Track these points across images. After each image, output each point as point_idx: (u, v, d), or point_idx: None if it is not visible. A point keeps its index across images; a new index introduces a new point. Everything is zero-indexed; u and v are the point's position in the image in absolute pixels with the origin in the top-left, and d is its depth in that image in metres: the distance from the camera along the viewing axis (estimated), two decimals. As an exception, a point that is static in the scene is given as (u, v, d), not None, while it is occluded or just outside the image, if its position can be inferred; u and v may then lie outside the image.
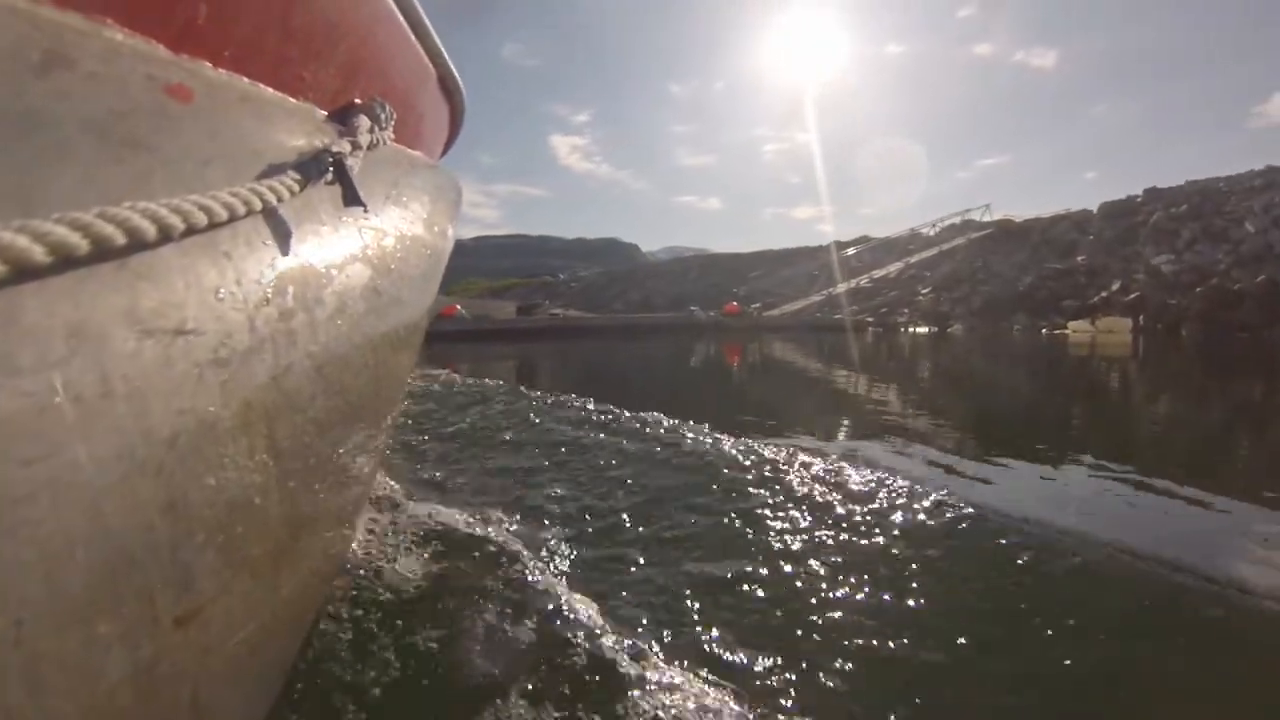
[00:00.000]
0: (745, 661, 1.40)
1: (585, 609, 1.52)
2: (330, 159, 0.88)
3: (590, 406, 4.07)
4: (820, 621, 1.56)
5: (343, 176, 0.90)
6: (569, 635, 1.40)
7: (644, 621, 1.56)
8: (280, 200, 0.76)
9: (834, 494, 2.35)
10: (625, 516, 2.23)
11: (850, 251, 38.90)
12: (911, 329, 30.88)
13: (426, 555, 1.80)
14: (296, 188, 0.79)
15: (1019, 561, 1.86)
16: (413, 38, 1.35)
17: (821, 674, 1.37)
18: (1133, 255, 29.12)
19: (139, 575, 0.56)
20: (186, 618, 0.62)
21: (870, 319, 33.15)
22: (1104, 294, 27.36)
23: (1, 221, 0.48)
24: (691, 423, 3.52)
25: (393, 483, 2.35)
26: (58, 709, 0.50)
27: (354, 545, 1.63)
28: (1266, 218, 26.48)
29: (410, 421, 3.84)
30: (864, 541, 1.99)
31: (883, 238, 40.42)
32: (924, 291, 34.98)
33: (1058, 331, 26.42)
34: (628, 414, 3.76)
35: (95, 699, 0.53)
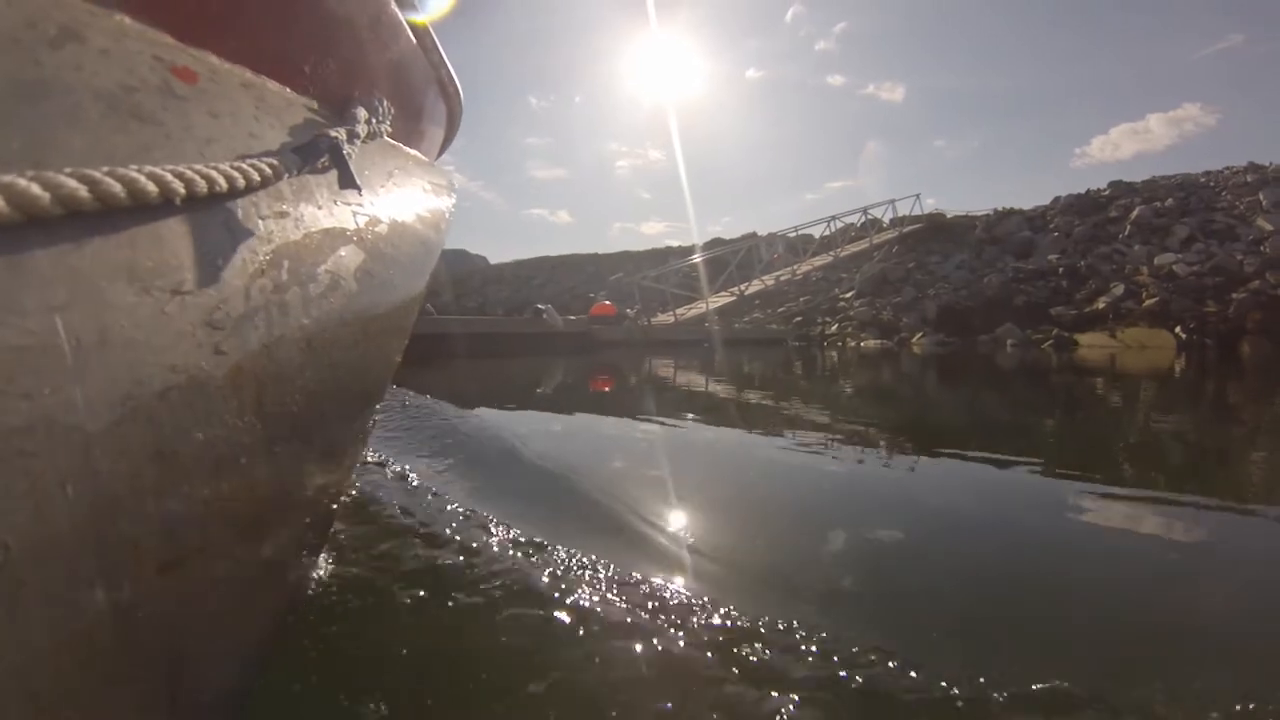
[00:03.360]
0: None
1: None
2: (327, 143, 0.89)
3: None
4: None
5: (339, 160, 0.91)
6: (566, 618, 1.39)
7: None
8: (279, 178, 0.78)
9: None
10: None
11: (701, 256, 28.10)
12: (856, 343, 22.32)
13: (409, 531, 1.86)
14: (295, 168, 0.81)
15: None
16: (413, 38, 1.33)
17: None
18: (1113, 254, 22.88)
19: (125, 518, 0.57)
20: (169, 566, 0.62)
21: (784, 328, 24.39)
22: (1106, 299, 20.49)
23: (16, 172, 0.50)
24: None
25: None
26: (35, 639, 0.50)
27: (336, 526, 1.65)
28: (1281, 214, 21.23)
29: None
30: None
31: (777, 232, 30.79)
32: (845, 296, 26.86)
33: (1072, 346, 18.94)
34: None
35: (73, 634, 0.53)
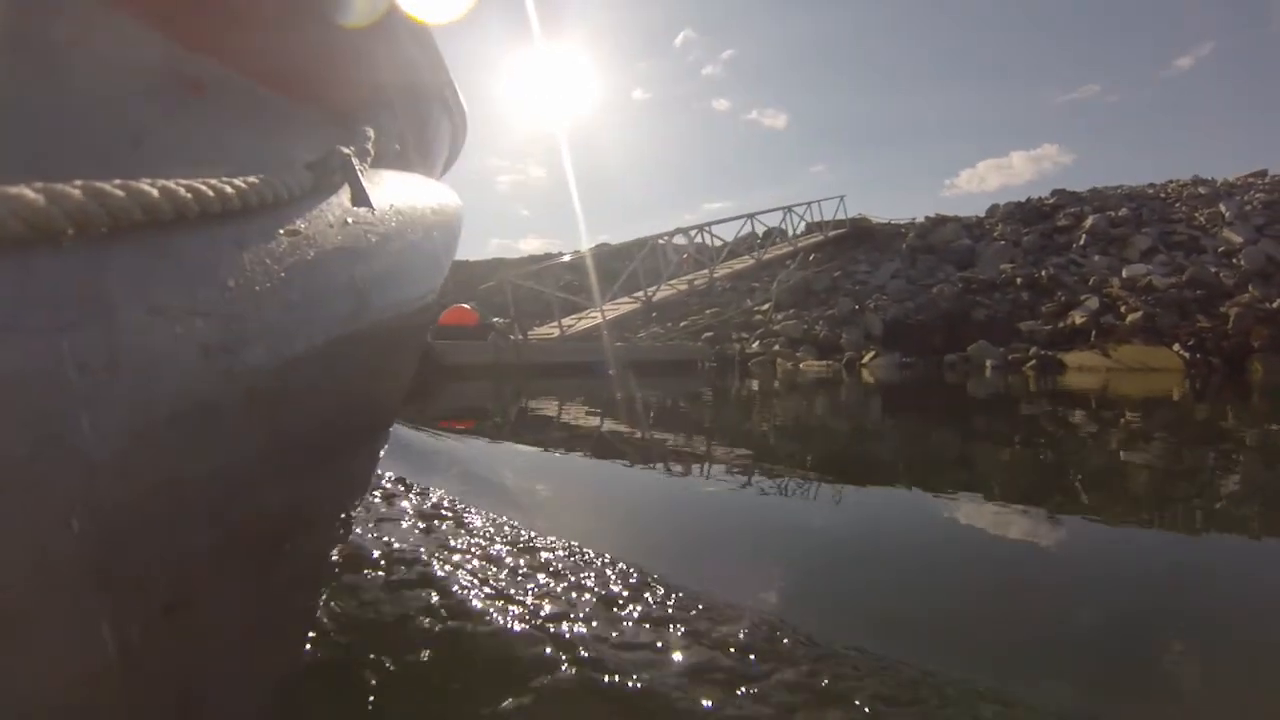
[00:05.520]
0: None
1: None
2: (339, 159, 0.86)
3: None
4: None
5: (351, 177, 0.88)
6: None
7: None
8: (291, 195, 0.74)
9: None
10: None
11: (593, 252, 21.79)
12: (794, 365, 17.58)
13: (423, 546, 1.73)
14: (307, 185, 0.78)
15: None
16: (419, 56, 1.31)
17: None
18: (1070, 265, 19.88)
19: (132, 552, 0.53)
20: (178, 603, 0.58)
21: (698, 346, 19.34)
22: (1082, 313, 17.11)
23: (24, 183, 0.47)
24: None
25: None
26: (38, 687, 0.47)
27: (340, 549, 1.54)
28: (1248, 225, 18.96)
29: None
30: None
31: (687, 228, 25.08)
32: (762, 308, 22.29)
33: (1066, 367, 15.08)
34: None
35: (79, 677, 0.50)
